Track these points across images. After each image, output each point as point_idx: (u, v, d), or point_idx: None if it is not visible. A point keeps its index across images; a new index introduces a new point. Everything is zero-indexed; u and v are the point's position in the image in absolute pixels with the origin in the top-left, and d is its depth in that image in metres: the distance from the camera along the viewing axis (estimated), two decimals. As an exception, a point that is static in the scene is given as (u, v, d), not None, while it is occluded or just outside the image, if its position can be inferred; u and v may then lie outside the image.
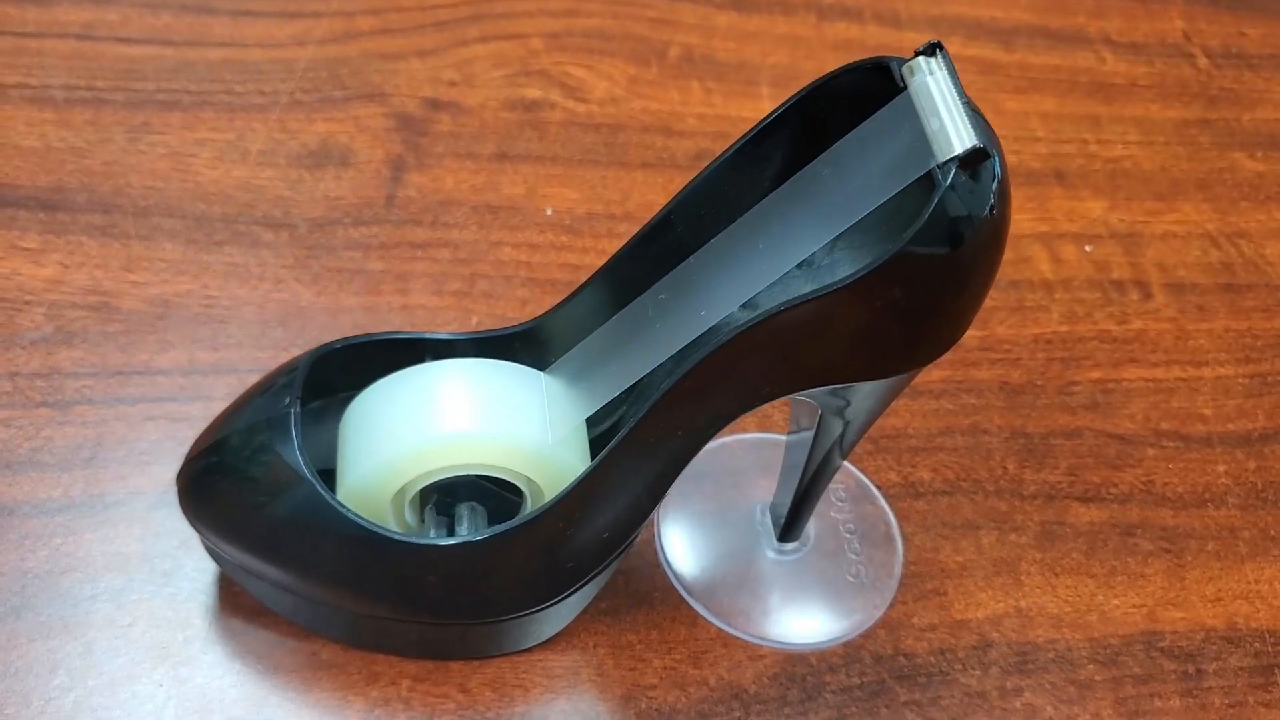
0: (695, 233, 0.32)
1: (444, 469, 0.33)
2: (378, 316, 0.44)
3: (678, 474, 0.33)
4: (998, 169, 0.29)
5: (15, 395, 0.40)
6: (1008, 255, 0.50)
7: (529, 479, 0.34)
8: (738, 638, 0.39)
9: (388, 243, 0.47)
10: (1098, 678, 0.39)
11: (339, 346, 0.35)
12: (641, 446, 0.32)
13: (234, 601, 0.37)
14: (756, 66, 0.56)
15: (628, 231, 0.45)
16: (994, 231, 0.29)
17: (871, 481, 0.43)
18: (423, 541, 0.32)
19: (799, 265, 0.33)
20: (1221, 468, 0.45)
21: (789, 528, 0.39)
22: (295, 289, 0.45)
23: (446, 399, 0.34)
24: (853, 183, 0.29)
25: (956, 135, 0.27)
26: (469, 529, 0.34)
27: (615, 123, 0.52)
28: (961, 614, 0.40)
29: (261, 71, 0.51)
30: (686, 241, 0.33)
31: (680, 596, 0.39)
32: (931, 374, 0.46)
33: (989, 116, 0.47)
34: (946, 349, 0.30)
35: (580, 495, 0.32)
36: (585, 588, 0.36)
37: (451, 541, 0.32)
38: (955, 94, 0.28)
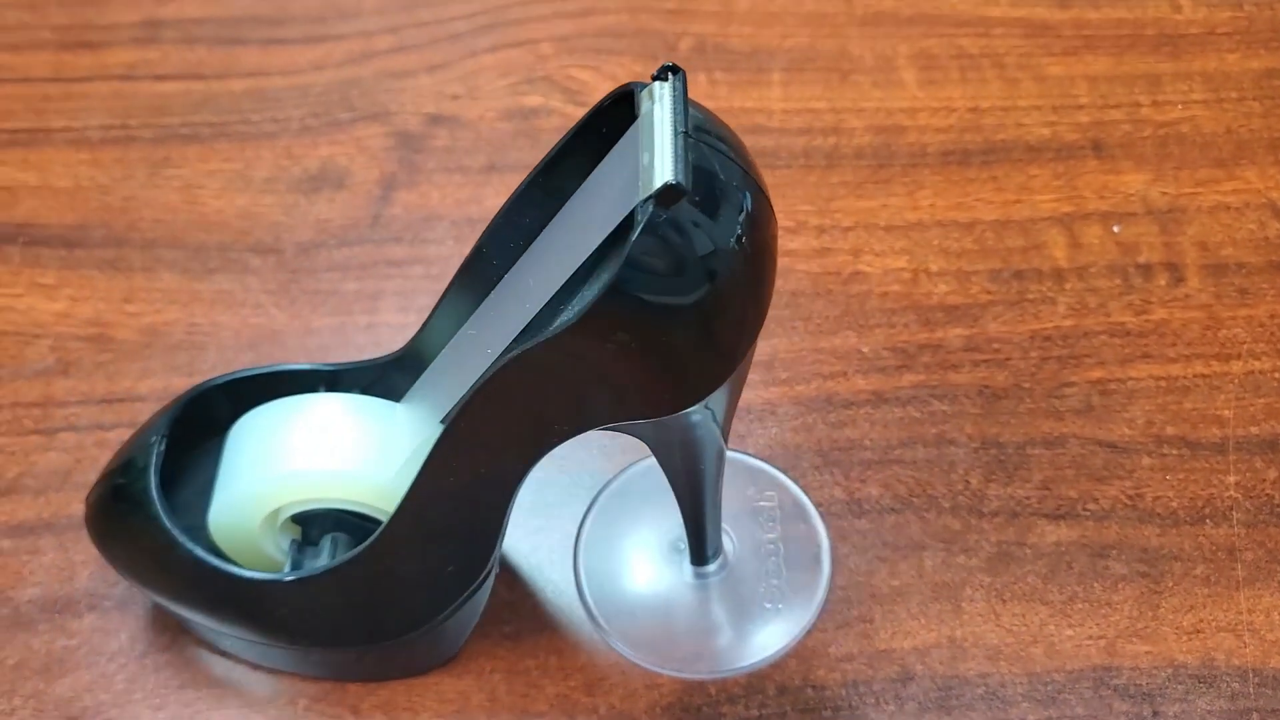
0: (506, 265, 0.32)
1: (295, 503, 0.34)
2: (343, 337, 0.46)
3: (508, 506, 0.33)
4: (748, 202, 0.27)
5: (13, 424, 0.44)
6: (1016, 243, 0.46)
7: (381, 510, 0.34)
8: (639, 665, 0.38)
9: (366, 263, 0.48)
10: (1030, 718, 0.36)
11: (220, 383, 0.37)
12: (440, 487, 0.31)
13: (163, 620, 0.39)
14: (771, 52, 0.53)
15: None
16: (746, 265, 0.26)
17: (810, 499, 0.41)
18: (243, 575, 0.33)
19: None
20: (1232, 478, 0.40)
21: (694, 550, 0.38)
22: (272, 313, 0.47)
23: (298, 435, 0.35)
24: (592, 217, 0.27)
25: (660, 171, 0.25)
26: (326, 559, 0.35)
27: (611, 124, 0.52)
28: (886, 643, 0.38)
29: (278, 99, 0.54)
30: (501, 273, 0.32)
31: (586, 621, 0.39)
32: (902, 379, 0.43)
33: (1027, 85, 0.44)
34: (717, 385, 0.28)
35: (391, 538, 0.32)
36: (460, 613, 0.36)
37: (263, 577, 0.33)
38: (673, 124, 0.26)
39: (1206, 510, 0.40)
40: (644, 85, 0.28)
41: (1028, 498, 0.40)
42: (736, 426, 0.42)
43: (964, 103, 0.51)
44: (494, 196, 0.50)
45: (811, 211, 0.48)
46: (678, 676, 0.37)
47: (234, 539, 0.35)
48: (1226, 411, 0.42)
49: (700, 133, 0.26)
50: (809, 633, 0.38)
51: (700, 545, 0.38)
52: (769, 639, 0.38)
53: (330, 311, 0.47)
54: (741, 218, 0.26)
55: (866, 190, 0.49)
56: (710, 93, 0.52)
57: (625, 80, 0.54)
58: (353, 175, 0.51)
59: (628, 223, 0.27)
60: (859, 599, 0.39)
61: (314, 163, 0.52)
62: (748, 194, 0.27)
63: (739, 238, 0.26)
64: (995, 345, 0.44)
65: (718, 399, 0.30)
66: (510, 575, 0.40)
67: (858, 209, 0.48)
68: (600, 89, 0.53)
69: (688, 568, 0.39)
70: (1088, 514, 0.40)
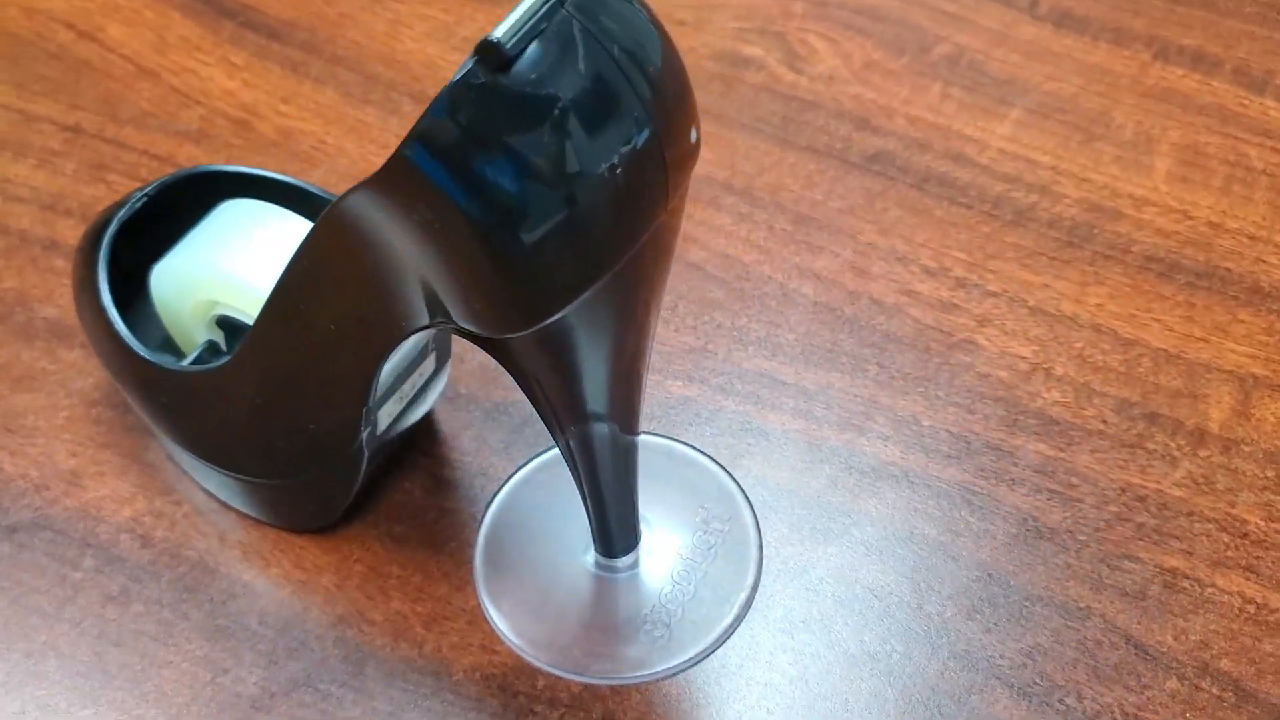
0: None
1: (220, 304, 0.33)
2: (436, 203, 0.44)
3: (368, 387, 0.30)
4: (633, 131, 0.22)
5: (132, 167, 0.46)
6: (1171, 383, 0.38)
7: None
8: (489, 623, 0.34)
9: (501, 145, 0.46)
10: None
11: (233, 172, 0.36)
12: (289, 329, 0.29)
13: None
14: (1025, 88, 0.46)
15: (726, 203, 0.43)
16: (577, 195, 0.22)
17: (761, 546, 0.35)
18: (125, 341, 0.33)
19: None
20: (1268, 754, 0.31)
21: (595, 535, 0.34)
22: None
23: (253, 240, 0.33)
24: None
25: (496, 27, 0.21)
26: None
27: (813, 100, 0.47)
28: (743, 730, 0.32)
29: (524, -28, 0.53)
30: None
31: (468, 558, 0.35)
32: (945, 470, 0.36)
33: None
34: (526, 323, 0.24)
35: (246, 359, 0.30)
36: (325, 481, 0.34)
37: (139, 351, 0.32)
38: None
39: (1211, 774, 0.30)
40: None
41: (1002, 658, 0.33)
42: (732, 444, 0.37)
43: (1208, 214, 0.42)
44: (655, 128, 0.46)
45: (961, 261, 0.41)
46: (517, 653, 0.33)
47: (167, 310, 0.35)
48: (1311, 675, 0.32)
49: (599, 29, 0.22)
50: (672, 676, 0.33)
51: (604, 535, 0.33)
52: (627, 663, 0.33)
53: (441, 175, 0.45)
54: (628, 148, 0.22)
55: (1037, 263, 0.41)
56: (936, 106, 0.46)
57: (857, 63, 0.49)
58: (542, 63, 0.49)
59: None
60: (741, 667, 0.33)
61: (516, 39, 0.50)
62: (636, 124, 0.22)
63: (599, 161, 0.22)
64: (1073, 480, 0.36)
65: (592, 369, 0.26)
66: (436, 481, 0.37)
67: (1014, 278, 0.41)
68: (826, 63, 0.48)
69: (594, 554, 0.35)
70: (1062, 709, 0.32)
